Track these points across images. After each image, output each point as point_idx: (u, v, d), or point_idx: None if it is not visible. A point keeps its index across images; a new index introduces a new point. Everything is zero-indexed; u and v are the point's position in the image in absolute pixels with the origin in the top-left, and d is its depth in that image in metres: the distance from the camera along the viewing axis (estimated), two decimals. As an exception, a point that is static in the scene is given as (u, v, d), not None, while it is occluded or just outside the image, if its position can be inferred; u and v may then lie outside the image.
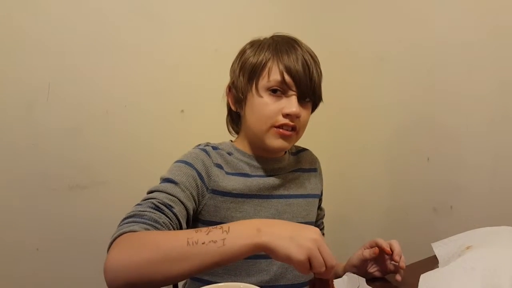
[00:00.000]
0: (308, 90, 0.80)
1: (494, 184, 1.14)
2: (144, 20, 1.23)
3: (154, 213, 0.67)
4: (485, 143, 1.16)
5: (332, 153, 1.59)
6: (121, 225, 0.65)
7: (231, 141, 0.91)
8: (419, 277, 0.70)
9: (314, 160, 0.97)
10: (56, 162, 1.12)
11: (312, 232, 0.57)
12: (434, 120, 1.29)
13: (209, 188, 0.78)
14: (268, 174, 0.85)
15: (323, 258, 0.55)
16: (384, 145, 1.45)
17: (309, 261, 0.55)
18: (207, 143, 0.86)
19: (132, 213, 0.67)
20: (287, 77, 0.78)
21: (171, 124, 1.29)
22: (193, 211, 0.76)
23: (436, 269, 0.72)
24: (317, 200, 0.95)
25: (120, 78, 1.20)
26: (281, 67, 0.78)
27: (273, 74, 0.79)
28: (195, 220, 0.80)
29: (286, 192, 0.86)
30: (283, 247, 0.54)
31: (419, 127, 1.33)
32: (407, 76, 1.36)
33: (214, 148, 0.84)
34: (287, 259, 0.55)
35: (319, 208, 0.99)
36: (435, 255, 0.83)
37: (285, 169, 0.89)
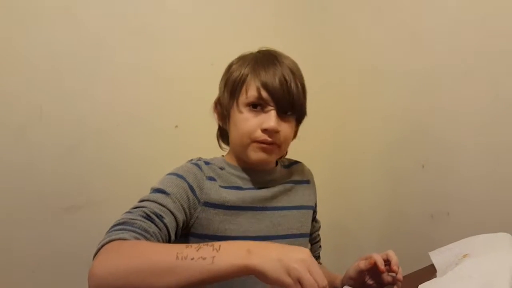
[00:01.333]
0: (287, 104, 0.80)
1: (490, 189, 1.14)
2: (138, 35, 1.23)
3: (145, 222, 0.67)
4: (480, 149, 1.16)
5: (328, 162, 1.59)
6: (110, 232, 0.64)
7: (223, 156, 0.91)
8: (417, 288, 0.69)
9: (306, 172, 0.97)
10: (51, 182, 1.11)
11: (301, 252, 0.56)
12: (428, 127, 1.29)
13: (201, 200, 0.78)
14: (260, 187, 0.85)
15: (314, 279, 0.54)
16: (380, 153, 1.45)
17: (300, 283, 0.53)
18: (199, 158, 0.87)
19: (122, 220, 0.66)
20: (263, 93, 0.79)
21: (165, 139, 1.28)
22: (183, 223, 0.75)
23: (434, 279, 0.72)
24: (311, 212, 0.94)
25: (114, 95, 1.20)
26: (258, 83, 0.79)
27: (251, 90, 0.80)
28: (187, 234, 0.79)
29: (279, 204, 0.86)
30: (273, 270, 0.54)
31: (413, 135, 1.33)
32: (401, 84, 1.36)
33: (206, 163, 0.84)
34: (278, 282, 0.54)
35: (315, 220, 0.99)
36: (433, 264, 0.82)
37: (277, 181, 0.89)
